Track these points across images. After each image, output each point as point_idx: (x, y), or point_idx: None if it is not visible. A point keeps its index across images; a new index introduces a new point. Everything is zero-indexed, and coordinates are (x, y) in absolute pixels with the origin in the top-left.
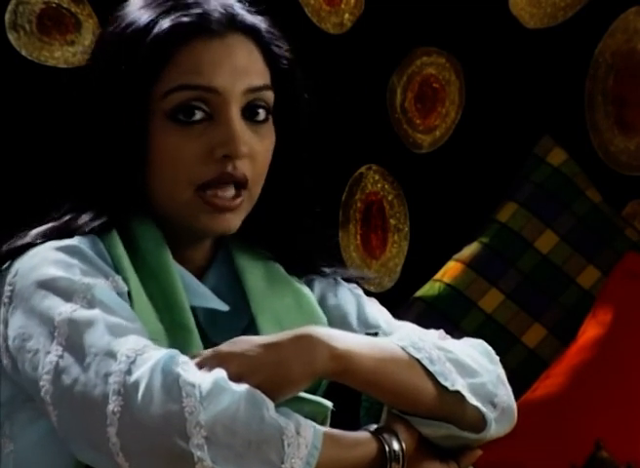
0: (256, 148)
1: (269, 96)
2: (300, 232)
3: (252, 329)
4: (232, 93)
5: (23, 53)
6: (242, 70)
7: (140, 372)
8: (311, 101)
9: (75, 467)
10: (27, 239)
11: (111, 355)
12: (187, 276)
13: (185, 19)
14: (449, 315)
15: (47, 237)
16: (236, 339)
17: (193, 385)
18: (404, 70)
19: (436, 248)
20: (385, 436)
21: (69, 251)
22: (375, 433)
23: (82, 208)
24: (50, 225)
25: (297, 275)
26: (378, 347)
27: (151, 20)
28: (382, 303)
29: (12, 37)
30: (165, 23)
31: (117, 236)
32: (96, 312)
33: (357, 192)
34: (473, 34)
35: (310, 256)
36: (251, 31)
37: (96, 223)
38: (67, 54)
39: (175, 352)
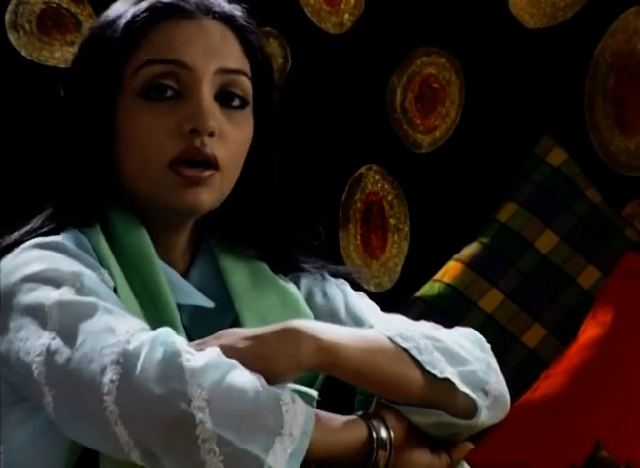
0: (227, 131)
1: (245, 83)
2: (284, 230)
3: (236, 326)
4: (204, 70)
5: (23, 53)
6: (216, 51)
7: (141, 342)
8: (290, 96)
9: (70, 463)
10: (11, 240)
11: (110, 330)
12: (171, 274)
13: (161, 3)
14: (449, 315)
15: (30, 236)
16: (222, 332)
17: (193, 355)
18: (404, 70)
19: (436, 248)
20: (374, 422)
21: (53, 247)
22: (363, 418)
23: (62, 204)
24: (33, 225)
25: (282, 273)
26: (364, 338)
27: (128, 7)
28: (382, 303)
29: (12, 37)
30: (141, 6)
31: (100, 231)
32: (88, 297)
33: (357, 192)
34: (473, 34)
35: (294, 255)
36: (228, 20)
37: (77, 218)
38: (67, 54)
39: (171, 330)
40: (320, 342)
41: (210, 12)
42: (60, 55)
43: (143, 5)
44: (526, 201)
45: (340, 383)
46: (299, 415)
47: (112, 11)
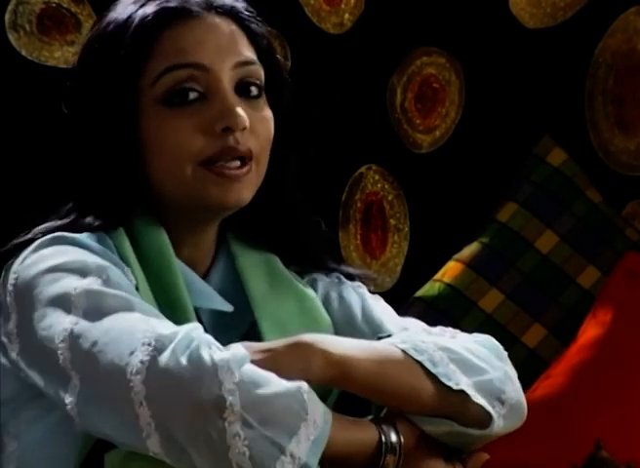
0: (254, 122)
1: (259, 71)
2: (301, 225)
3: (254, 331)
4: (221, 68)
5: (23, 53)
6: (226, 47)
7: (175, 329)
8: (294, 83)
9: (77, 464)
10: (32, 235)
11: (142, 320)
12: (191, 276)
13: (164, 5)
14: (449, 315)
15: (53, 233)
16: (232, 345)
17: (220, 348)
18: (404, 70)
19: (436, 248)
20: (384, 427)
21: (75, 243)
22: (374, 421)
23: (87, 206)
24: (56, 223)
25: (298, 273)
26: (376, 351)
27: (132, 13)
28: None
29: (12, 37)
30: (145, 13)
31: (124, 233)
32: (116, 290)
33: (357, 192)
34: (473, 34)
35: (311, 250)
36: (230, 12)
37: (102, 220)
38: (67, 54)
39: (200, 325)
40: (330, 356)
41: (212, 7)
42: (60, 55)
43: (147, 11)
44: (526, 201)
45: (355, 399)
46: (318, 404)
47: (114, 18)
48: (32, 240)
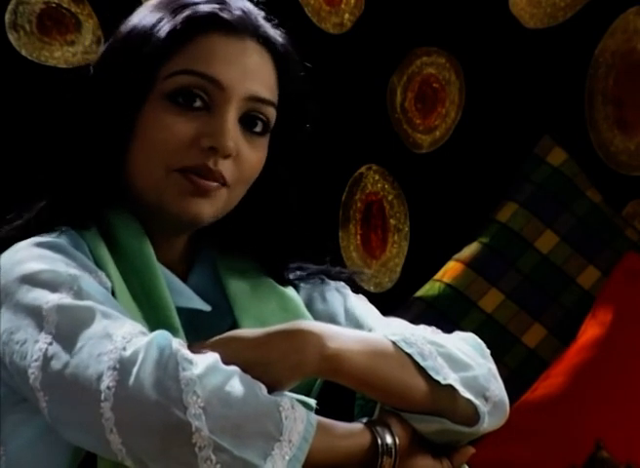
0: (244, 154)
1: (271, 112)
2: (290, 244)
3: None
4: (236, 93)
5: (23, 53)
6: (252, 73)
7: (137, 348)
8: (314, 125)
9: (72, 466)
10: (5, 233)
11: (107, 337)
12: (170, 276)
13: (206, 7)
14: (449, 315)
15: (26, 231)
16: (226, 336)
17: (190, 362)
18: (404, 70)
19: (436, 248)
20: (378, 429)
21: (51, 246)
22: (368, 425)
23: (60, 203)
24: (27, 221)
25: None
26: (369, 344)
27: (162, 16)
28: (382, 303)
29: (12, 37)
30: (184, 13)
31: (98, 233)
32: (86, 301)
33: (357, 192)
34: (473, 34)
35: (296, 262)
36: (271, 46)
37: (75, 217)
38: (67, 54)
39: (168, 333)
40: (325, 350)
41: (255, 35)
42: (60, 55)
43: (185, 12)
44: (526, 201)
45: (340, 388)
46: (298, 422)
47: (142, 16)
48: (2, 239)
